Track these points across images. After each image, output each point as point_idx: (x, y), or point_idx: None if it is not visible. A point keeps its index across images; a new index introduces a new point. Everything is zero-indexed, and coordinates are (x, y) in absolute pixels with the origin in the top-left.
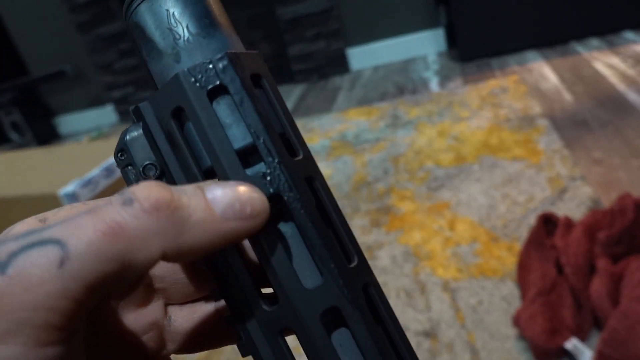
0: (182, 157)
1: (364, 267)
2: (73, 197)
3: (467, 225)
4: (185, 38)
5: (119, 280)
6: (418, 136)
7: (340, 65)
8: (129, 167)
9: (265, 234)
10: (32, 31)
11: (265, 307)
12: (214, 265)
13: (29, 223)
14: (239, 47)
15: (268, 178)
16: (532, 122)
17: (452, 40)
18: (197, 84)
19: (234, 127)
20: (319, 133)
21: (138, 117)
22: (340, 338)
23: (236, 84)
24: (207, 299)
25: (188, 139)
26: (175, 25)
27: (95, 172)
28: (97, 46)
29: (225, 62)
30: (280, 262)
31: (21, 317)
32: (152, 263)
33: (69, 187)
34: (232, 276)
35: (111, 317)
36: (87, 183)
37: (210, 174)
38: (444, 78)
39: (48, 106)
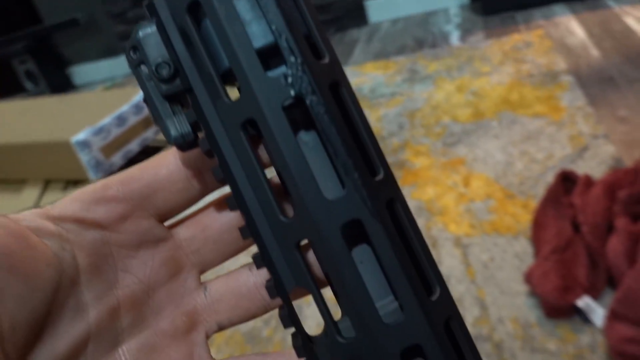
0: (198, 56)
1: (390, 182)
2: (84, 145)
3: (482, 182)
4: None
5: None
6: (436, 91)
7: (358, 17)
8: (142, 66)
9: (284, 139)
10: None
11: (281, 217)
12: (228, 170)
13: (36, 213)
14: None
15: (289, 80)
16: (555, 78)
17: None
18: None
19: (254, 24)
20: None
21: (152, 14)
22: (361, 255)
23: None
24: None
25: (205, 38)
26: None
27: (107, 120)
28: None
29: None
30: (299, 170)
31: None
32: None
33: (81, 135)
34: (247, 184)
35: (144, 296)
36: (99, 131)
37: (228, 76)
38: (466, 32)
39: (62, 56)
